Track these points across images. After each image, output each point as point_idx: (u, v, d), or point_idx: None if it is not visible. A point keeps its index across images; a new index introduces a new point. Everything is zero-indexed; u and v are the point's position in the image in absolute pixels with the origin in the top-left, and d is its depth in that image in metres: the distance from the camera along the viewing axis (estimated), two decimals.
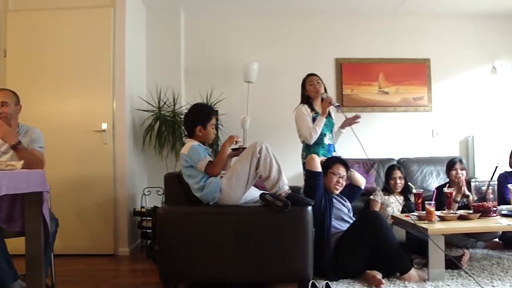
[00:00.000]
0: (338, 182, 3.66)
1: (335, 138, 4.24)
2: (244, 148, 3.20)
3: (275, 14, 5.90)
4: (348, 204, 3.76)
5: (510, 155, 4.45)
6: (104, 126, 4.46)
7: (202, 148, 3.16)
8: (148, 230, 4.60)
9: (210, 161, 3.09)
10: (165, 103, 5.22)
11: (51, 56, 4.52)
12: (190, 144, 3.15)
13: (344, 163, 3.74)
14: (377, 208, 4.36)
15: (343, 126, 4.20)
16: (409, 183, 4.25)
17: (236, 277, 3.02)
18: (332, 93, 5.82)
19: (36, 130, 3.29)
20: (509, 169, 4.49)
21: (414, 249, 3.63)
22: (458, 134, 6.10)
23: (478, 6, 5.76)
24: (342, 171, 3.69)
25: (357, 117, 4.13)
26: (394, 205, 4.35)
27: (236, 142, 3.24)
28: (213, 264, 3.00)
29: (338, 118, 4.28)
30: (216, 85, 5.59)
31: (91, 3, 4.57)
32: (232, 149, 3.29)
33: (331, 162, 3.74)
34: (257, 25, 5.95)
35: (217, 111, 5.28)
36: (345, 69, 5.98)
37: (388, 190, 4.41)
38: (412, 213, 3.64)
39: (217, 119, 5.08)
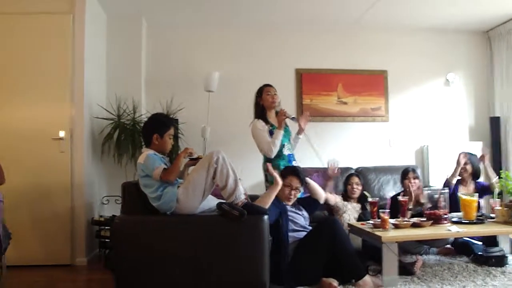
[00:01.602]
0: (290, 194, 3.67)
1: (294, 145, 4.28)
2: (201, 158, 3.21)
3: (236, 24, 5.95)
4: (304, 213, 3.78)
5: (457, 163, 4.65)
6: (62, 134, 4.39)
7: (158, 157, 3.15)
8: (106, 240, 4.54)
9: (165, 168, 3.09)
10: (124, 111, 5.18)
11: (6, 62, 4.41)
12: (146, 153, 3.15)
13: (299, 175, 3.72)
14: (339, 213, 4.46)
15: (299, 132, 4.25)
16: (364, 192, 4.35)
17: (193, 286, 3.02)
18: (292, 103, 5.95)
19: None
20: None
21: (370, 256, 3.72)
22: (413, 144, 6.29)
23: (432, 21, 5.99)
24: (295, 183, 3.68)
25: (306, 114, 4.25)
26: (350, 212, 4.43)
27: (191, 153, 3.25)
28: (170, 274, 3.00)
29: (294, 125, 4.28)
30: (177, 94, 5.58)
31: (49, 10, 4.50)
32: (190, 158, 3.31)
33: (286, 174, 3.73)
34: (219, 35, 6.00)
35: (177, 120, 5.28)
36: (305, 79, 6.09)
37: (346, 196, 4.54)
38: (368, 221, 3.74)
39: (177, 129, 5.09)
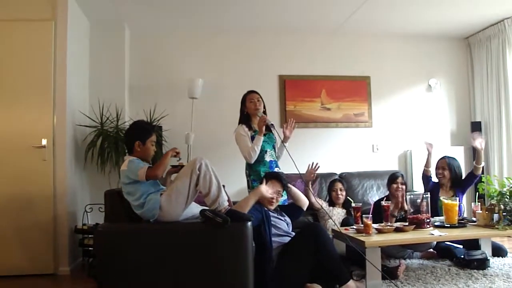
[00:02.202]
0: (272, 198, 3.63)
1: (280, 152, 4.28)
2: (183, 166, 3.20)
3: (220, 30, 5.97)
4: (287, 219, 3.75)
5: (436, 167, 4.69)
6: (44, 142, 4.34)
7: (141, 161, 3.13)
8: (90, 248, 4.50)
9: (150, 166, 3.08)
10: (107, 118, 5.15)
11: None
12: (129, 159, 3.13)
13: (280, 179, 3.70)
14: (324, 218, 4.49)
15: (284, 140, 4.24)
16: (348, 197, 4.38)
17: None
18: (275, 109, 5.96)
19: None
20: (436, 181, 4.72)
21: (354, 261, 3.74)
22: (397, 149, 6.35)
23: (413, 27, 6.08)
24: (277, 186, 3.66)
25: (291, 121, 4.26)
26: (335, 217, 4.46)
27: (178, 153, 3.24)
28: (153, 281, 2.97)
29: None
30: (160, 101, 5.57)
31: (31, 17, 4.46)
32: (171, 166, 3.30)
33: (267, 178, 3.70)
34: (202, 41, 6.00)
35: (160, 127, 5.27)
36: (289, 85, 6.12)
37: (331, 202, 4.60)
38: (351, 227, 3.76)
39: (160, 136, 5.07)
